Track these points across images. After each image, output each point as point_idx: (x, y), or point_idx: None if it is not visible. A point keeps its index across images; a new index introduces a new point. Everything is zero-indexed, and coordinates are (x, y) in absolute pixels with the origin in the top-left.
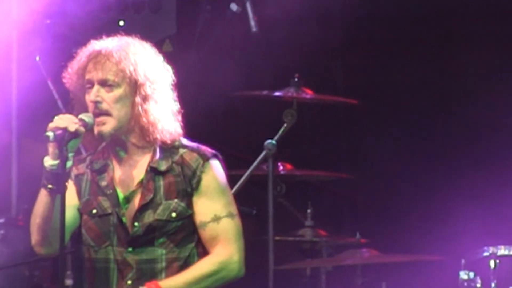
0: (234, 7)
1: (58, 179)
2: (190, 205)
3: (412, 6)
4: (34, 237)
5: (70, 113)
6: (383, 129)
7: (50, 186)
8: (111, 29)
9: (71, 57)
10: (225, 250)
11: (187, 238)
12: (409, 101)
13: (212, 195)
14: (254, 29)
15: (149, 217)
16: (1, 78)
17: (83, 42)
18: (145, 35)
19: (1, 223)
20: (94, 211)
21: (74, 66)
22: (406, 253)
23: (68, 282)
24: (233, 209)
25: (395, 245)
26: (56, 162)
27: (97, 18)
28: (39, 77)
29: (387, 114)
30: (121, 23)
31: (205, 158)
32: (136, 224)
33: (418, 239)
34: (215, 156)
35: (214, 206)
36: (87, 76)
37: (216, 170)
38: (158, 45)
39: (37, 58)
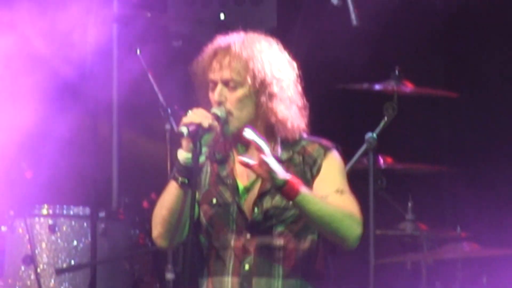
0: (334, 0)
1: (191, 173)
2: None
3: None
4: (158, 229)
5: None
6: (485, 121)
7: (181, 179)
8: (211, 22)
9: (171, 49)
10: (355, 211)
11: (306, 229)
12: (510, 92)
13: (333, 173)
14: (355, 22)
15: (267, 203)
16: (102, 71)
17: (184, 35)
18: (245, 27)
19: (102, 217)
20: (214, 200)
21: (197, 63)
22: (507, 247)
23: (169, 276)
24: (352, 195)
25: (496, 239)
26: (190, 155)
27: (198, 10)
28: (140, 70)
29: (488, 106)
30: (222, 16)
31: (327, 148)
32: (256, 210)
33: None
34: (335, 147)
35: (336, 182)
36: (211, 76)
37: (337, 158)
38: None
39: (138, 51)
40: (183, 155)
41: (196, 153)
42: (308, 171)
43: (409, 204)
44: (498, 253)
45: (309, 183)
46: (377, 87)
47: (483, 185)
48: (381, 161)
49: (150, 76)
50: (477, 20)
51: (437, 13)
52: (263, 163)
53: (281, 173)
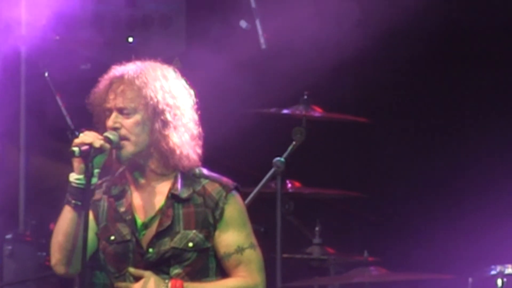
0: (243, 24)
1: (84, 195)
2: (208, 237)
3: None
4: (56, 256)
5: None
6: (392, 147)
7: (74, 202)
8: (120, 45)
9: (79, 73)
10: (250, 278)
11: (202, 272)
12: (419, 119)
13: (235, 226)
14: (263, 46)
15: (165, 244)
16: (9, 93)
17: (92, 58)
18: (154, 52)
19: (9, 239)
20: (113, 237)
21: (95, 93)
22: (414, 272)
23: None
24: (255, 240)
25: (403, 264)
26: (82, 176)
27: (106, 34)
28: (47, 93)
29: (396, 132)
30: (130, 39)
31: (228, 190)
32: (150, 250)
33: (426, 257)
34: (236, 188)
35: (237, 237)
36: (107, 105)
37: (238, 202)
38: (167, 62)
39: (46, 74)
40: (74, 177)
41: (88, 173)
42: (209, 214)
43: (317, 228)
44: (405, 278)
45: (211, 227)
46: (286, 111)
47: (390, 210)
48: (289, 185)
49: (58, 99)
50: (387, 45)
51: (347, 38)
52: None
53: None
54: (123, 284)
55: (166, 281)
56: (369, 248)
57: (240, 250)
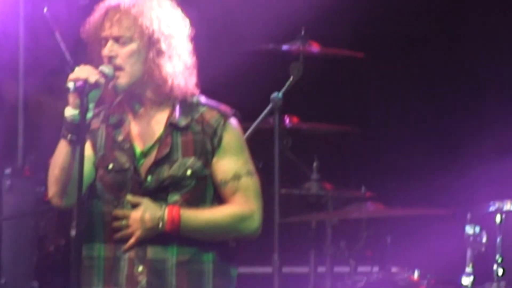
0: None
1: (79, 129)
2: (206, 165)
3: None
4: (52, 189)
5: (82, 64)
6: (390, 82)
7: (70, 136)
8: None
9: (78, 7)
10: (247, 206)
11: (200, 199)
12: (416, 51)
13: (232, 153)
14: None
15: (164, 172)
16: (8, 31)
17: None
18: None
19: (7, 173)
20: (111, 166)
21: (90, 22)
22: (412, 207)
23: (74, 233)
24: (252, 167)
25: (401, 199)
26: (77, 112)
27: None
28: (46, 29)
29: (393, 66)
30: None
31: (226, 117)
32: (149, 178)
33: (424, 192)
34: (234, 114)
35: (234, 164)
36: (103, 33)
37: (236, 129)
38: None
39: (45, 10)
40: (70, 111)
41: (83, 108)
42: (208, 142)
43: (315, 164)
44: (402, 213)
45: (209, 154)
46: (284, 47)
47: (388, 145)
48: (287, 120)
49: (57, 35)
50: None
51: None
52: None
53: (156, 226)
54: (120, 211)
55: (163, 207)
56: (366, 183)
57: (237, 177)
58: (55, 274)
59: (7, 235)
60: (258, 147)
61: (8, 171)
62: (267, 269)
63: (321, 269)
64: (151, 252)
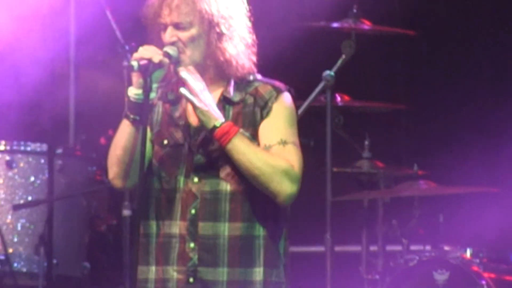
0: None
1: (142, 109)
2: (255, 136)
3: None
4: (114, 170)
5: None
6: (442, 60)
7: (133, 116)
8: None
9: None
10: (291, 167)
11: None
12: (469, 30)
13: (280, 122)
14: None
15: (214, 144)
16: (59, 9)
17: None
18: None
19: (59, 153)
20: (166, 141)
21: (147, 7)
22: (464, 185)
23: (126, 212)
24: (298, 142)
25: (453, 177)
26: (140, 91)
27: None
28: (98, 7)
29: (445, 44)
30: None
31: (279, 91)
32: (200, 151)
33: (476, 170)
34: (288, 90)
35: (281, 131)
36: (162, 20)
37: (288, 102)
38: None
39: None
40: (133, 91)
41: (146, 88)
42: (258, 113)
43: (366, 142)
44: (455, 191)
45: (258, 125)
46: (335, 25)
47: (440, 123)
48: (339, 99)
49: (108, 13)
50: None
51: None
52: (188, 101)
53: (213, 116)
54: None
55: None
56: (418, 161)
57: (283, 142)
58: (106, 254)
59: (58, 215)
60: (310, 125)
61: (59, 151)
62: (320, 248)
63: (373, 247)
64: (203, 228)
